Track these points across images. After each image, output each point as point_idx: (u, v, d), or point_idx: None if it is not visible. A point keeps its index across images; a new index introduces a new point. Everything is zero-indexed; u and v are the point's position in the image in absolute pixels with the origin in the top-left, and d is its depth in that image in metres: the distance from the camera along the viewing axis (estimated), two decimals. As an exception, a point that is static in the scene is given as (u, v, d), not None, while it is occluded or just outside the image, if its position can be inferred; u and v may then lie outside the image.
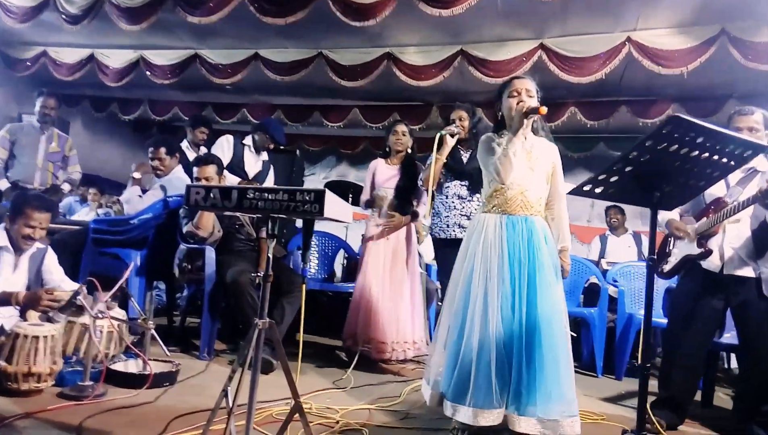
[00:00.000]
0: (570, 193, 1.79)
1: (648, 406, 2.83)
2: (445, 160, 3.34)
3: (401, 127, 3.83)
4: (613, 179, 1.69)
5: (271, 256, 1.63)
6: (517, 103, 2.36)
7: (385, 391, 3.06)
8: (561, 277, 2.41)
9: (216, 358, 3.40)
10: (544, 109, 2.26)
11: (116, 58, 6.50)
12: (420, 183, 3.57)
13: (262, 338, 1.61)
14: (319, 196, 1.48)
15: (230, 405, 1.60)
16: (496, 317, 2.28)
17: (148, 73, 6.29)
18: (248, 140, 4.39)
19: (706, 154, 1.68)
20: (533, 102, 2.40)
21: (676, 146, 1.61)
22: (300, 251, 4.68)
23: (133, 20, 5.18)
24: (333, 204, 1.53)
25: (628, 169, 1.66)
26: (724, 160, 1.73)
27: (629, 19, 4.78)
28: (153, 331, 2.80)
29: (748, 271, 2.62)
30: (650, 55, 4.88)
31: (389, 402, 2.84)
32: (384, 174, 3.80)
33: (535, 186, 2.40)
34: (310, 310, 4.90)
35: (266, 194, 1.52)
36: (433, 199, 6.08)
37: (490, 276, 2.32)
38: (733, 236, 2.66)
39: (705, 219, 2.73)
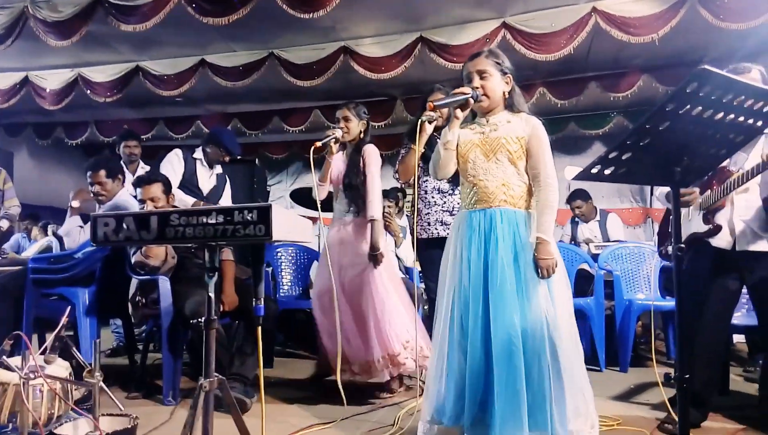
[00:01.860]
0: (576, 178, 1.49)
1: (667, 401, 2.59)
2: (422, 151, 2.95)
3: (343, 113, 3.19)
4: (625, 156, 1.39)
5: (213, 295, 1.28)
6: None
7: (378, 419, 2.73)
8: (537, 274, 2.03)
9: (183, 401, 3.01)
10: (430, 104, 2.09)
11: (53, 79, 6.06)
12: (395, 176, 3.21)
13: (211, 402, 1.26)
14: (263, 213, 1.14)
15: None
16: (456, 326, 2.10)
17: (88, 91, 5.85)
18: (199, 153, 4.00)
19: (732, 116, 1.40)
20: (490, 82, 2.15)
21: (700, 108, 1.32)
22: (269, 268, 4.33)
23: (63, 35, 4.75)
24: (283, 222, 1.19)
25: (643, 142, 1.35)
26: (751, 120, 1.45)
27: (593, -14, 4.55)
28: (102, 384, 2.41)
29: (763, 246, 2.36)
30: (618, 24, 4.65)
31: (386, 432, 2.51)
32: (336, 168, 3.24)
33: (492, 174, 2.12)
34: (286, 332, 4.53)
35: (195, 218, 1.17)
36: (404, 195, 5.84)
37: (452, 282, 2.14)
38: (742, 208, 2.39)
39: (709, 191, 2.46)
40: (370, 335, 3.08)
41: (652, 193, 8.04)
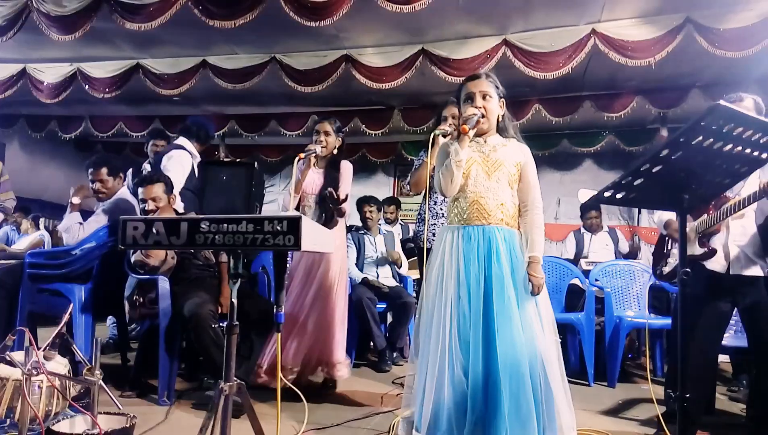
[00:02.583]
0: (589, 201, 1.55)
1: (660, 417, 2.65)
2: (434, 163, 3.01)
3: (323, 127, 3.31)
4: (637, 182, 1.45)
5: (235, 300, 1.31)
6: (466, 111, 2.22)
7: (374, 425, 2.76)
8: (530, 292, 2.15)
9: (177, 402, 3.02)
10: (465, 128, 2.12)
11: (51, 73, 6.03)
12: (407, 187, 3.27)
13: (230, 405, 1.29)
14: (293, 224, 1.17)
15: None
16: (453, 340, 2.10)
17: (86, 86, 5.83)
18: (191, 147, 3.94)
19: (739, 148, 1.46)
20: (490, 104, 2.23)
21: (711, 140, 1.38)
22: (265, 272, 4.33)
23: (66, 30, 4.75)
24: (311, 233, 1.22)
25: (656, 169, 1.41)
26: (756, 152, 1.51)
27: (593, 10, 4.65)
28: (101, 382, 2.42)
29: (756, 271, 2.43)
30: (616, 46, 4.76)
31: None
32: (309, 177, 3.32)
33: (492, 192, 2.20)
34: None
35: (225, 226, 1.20)
36: (399, 206, 5.89)
37: (446, 295, 2.15)
38: (737, 233, 2.47)
39: (705, 216, 2.53)
40: (336, 337, 3.27)
41: (639, 212, 8.18)
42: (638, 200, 1.52)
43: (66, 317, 2.43)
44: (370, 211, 4.84)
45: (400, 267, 4.72)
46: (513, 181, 2.24)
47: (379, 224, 5.09)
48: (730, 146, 1.44)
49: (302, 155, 3.15)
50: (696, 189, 1.53)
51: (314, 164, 3.30)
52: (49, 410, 2.39)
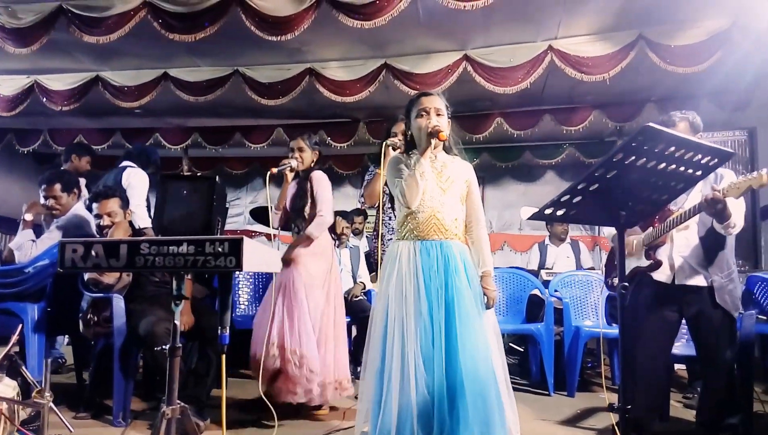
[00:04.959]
0: (531, 217, 1.59)
1: (615, 426, 2.70)
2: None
3: (297, 144, 3.35)
4: (576, 200, 1.49)
5: (179, 323, 1.30)
6: (426, 123, 2.24)
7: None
8: (484, 305, 2.23)
9: (133, 423, 2.96)
10: (444, 135, 2.19)
11: (7, 85, 5.87)
12: (361, 200, 3.30)
13: (173, 429, 1.27)
14: (234, 246, 1.17)
15: None
16: (416, 355, 2.10)
17: (44, 99, 5.70)
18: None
19: (674, 166, 1.53)
20: (443, 121, 2.28)
21: (644, 159, 1.44)
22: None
23: (22, 42, 4.65)
24: (253, 253, 1.23)
25: (593, 187, 1.46)
26: (690, 170, 1.58)
27: (550, 27, 4.76)
28: (52, 404, 2.36)
29: (699, 280, 2.52)
30: (572, 62, 4.88)
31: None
32: (290, 195, 3.38)
33: (448, 208, 2.26)
34: (240, 353, 4.47)
35: (166, 247, 1.20)
36: (366, 217, 5.91)
37: (407, 310, 2.16)
38: (681, 245, 2.56)
39: (651, 229, 2.61)
40: (326, 357, 3.12)
41: (600, 223, 8.35)
42: (579, 217, 1.57)
43: (14, 338, 2.38)
44: (346, 227, 4.86)
45: (356, 297, 4.63)
46: (463, 196, 2.32)
47: (347, 237, 5.08)
48: (664, 165, 1.50)
49: (274, 170, 3.18)
50: (633, 205, 1.58)
51: (293, 179, 3.35)
52: (-5, 435, 2.33)
